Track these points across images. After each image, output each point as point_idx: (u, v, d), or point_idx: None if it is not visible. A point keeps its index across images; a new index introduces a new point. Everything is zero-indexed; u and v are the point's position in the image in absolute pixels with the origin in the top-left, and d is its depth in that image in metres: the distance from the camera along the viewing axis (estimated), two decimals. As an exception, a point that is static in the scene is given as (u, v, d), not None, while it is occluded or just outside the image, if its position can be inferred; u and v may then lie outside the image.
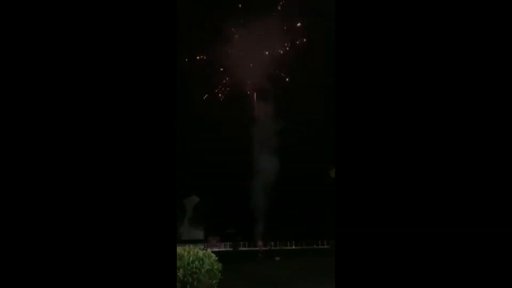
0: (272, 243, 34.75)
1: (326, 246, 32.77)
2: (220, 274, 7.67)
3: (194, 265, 7.18)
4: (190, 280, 7.06)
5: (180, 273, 6.91)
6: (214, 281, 7.52)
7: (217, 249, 28.05)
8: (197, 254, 7.39)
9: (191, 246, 7.87)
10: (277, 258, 24.36)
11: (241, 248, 33.46)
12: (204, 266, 7.28)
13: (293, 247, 35.13)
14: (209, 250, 8.19)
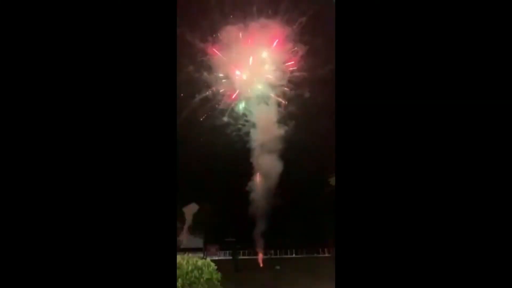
0: (272, 252, 34.54)
1: (327, 255, 32.58)
2: (219, 283, 7.51)
3: (193, 275, 7.03)
4: (189, 290, 6.90)
5: (178, 283, 6.75)
6: (214, 291, 7.36)
7: (216, 258, 27.84)
8: (196, 263, 7.24)
9: (190, 254, 7.73)
10: (278, 267, 24.10)
11: (241, 257, 33.21)
12: (203, 275, 7.13)
13: (294, 255, 34.91)
14: (208, 258, 8.04)
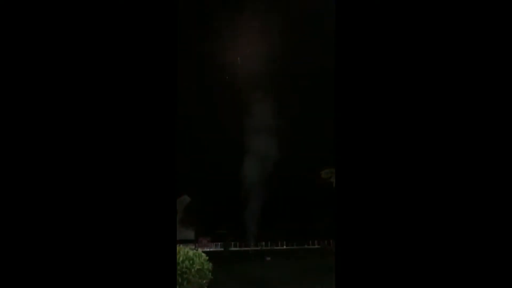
0: (263, 243, 34.82)
1: (317, 246, 32.97)
2: (210, 274, 7.62)
3: (184, 265, 7.11)
4: (180, 280, 6.99)
5: (170, 273, 6.82)
6: (204, 281, 7.47)
7: (208, 249, 27.97)
8: (187, 254, 7.32)
9: (181, 246, 7.80)
10: (268, 258, 24.37)
11: (232, 248, 33.43)
12: (194, 266, 7.22)
13: (284, 247, 35.24)
14: (199, 249, 8.12)
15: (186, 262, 7.16)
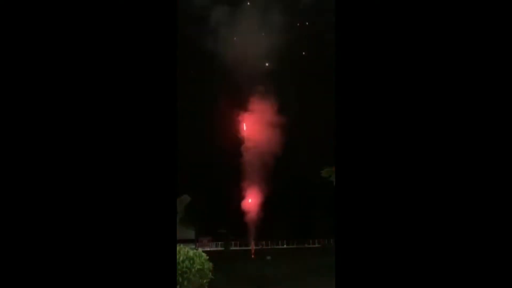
0: (264, 243, 34.81)
1: (317, 245, 32.96)
2: (210, 273, 7.63)
3: (185, 265, 7.13)
4: (180, 280, 7.01)
5: (170, 272, 6.83)
6: (205, 281, 7.49)
7: (208, 249, 27.97)
8: (187, 254, 7.34)
9: (181, 245, 7.81)
10: (269, 258, 24.37)
11: (233, 248, 33.44)
12: (194, 265, 7.24)
13: (285, 246, 35.24)
14: (200, 249, 8.12)
15: (187, 262, 7.18)
